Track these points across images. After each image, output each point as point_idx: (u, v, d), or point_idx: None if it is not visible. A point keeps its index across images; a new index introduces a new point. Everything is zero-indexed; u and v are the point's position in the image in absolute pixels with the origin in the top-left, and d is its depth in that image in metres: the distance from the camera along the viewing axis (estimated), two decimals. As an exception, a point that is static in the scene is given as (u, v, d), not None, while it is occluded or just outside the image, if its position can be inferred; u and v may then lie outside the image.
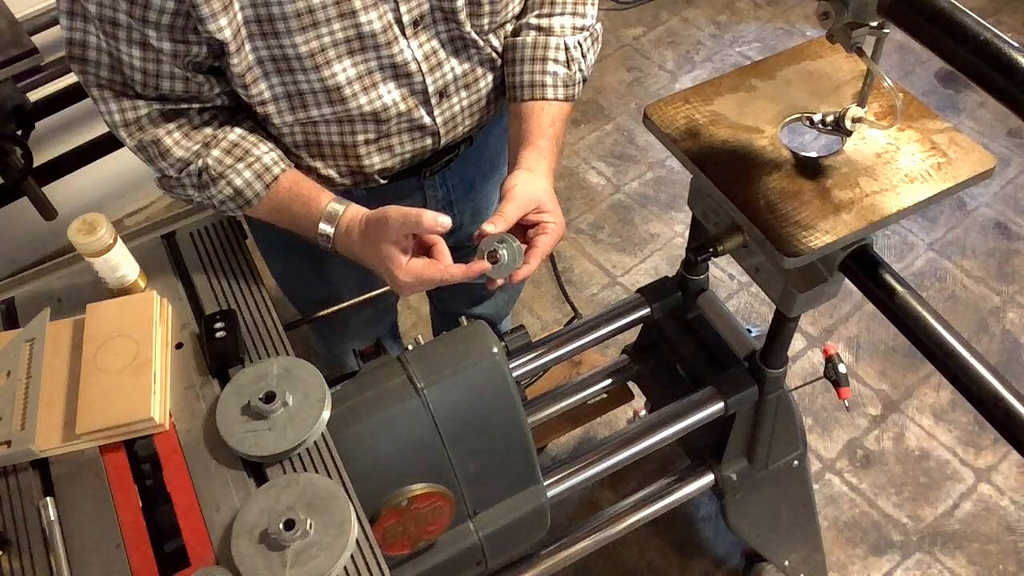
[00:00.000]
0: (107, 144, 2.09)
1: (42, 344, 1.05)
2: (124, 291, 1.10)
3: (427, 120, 1.10)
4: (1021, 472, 1.94)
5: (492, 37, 1.09)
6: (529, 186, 1.04)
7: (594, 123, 2.74)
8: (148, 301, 1.06)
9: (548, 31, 1.10)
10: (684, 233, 2.42)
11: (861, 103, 1.00)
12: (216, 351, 1.04)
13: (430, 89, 1.07)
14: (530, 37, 1.10)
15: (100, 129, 2.12)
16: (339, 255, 1.07)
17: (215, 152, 1.02)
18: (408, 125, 1.09)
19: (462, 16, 1.03)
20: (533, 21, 1.11)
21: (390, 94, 1.05)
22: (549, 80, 1.10)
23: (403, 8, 0.98)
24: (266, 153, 1.05)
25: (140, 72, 0.96)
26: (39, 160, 1.94)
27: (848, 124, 1.01)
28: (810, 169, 1.02)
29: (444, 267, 0.99)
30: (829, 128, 1.03)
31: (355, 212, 1.04)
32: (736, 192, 1.00)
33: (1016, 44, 0.71)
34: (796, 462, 1.46)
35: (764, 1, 3.12)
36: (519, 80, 1.11)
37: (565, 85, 1.11)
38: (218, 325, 1.06)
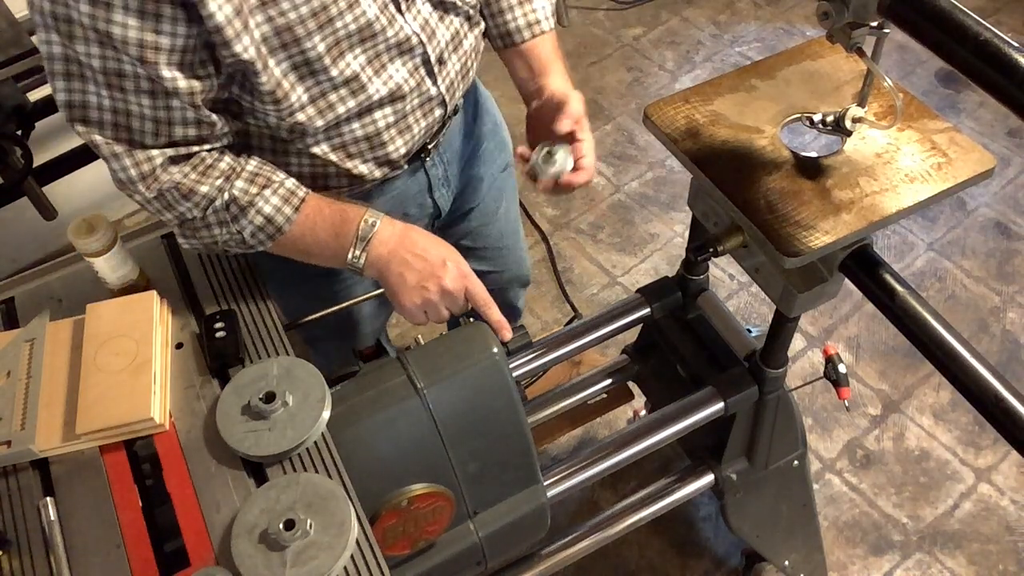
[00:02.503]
0: (107, 144, 2.09)
1: (42, 344, 1.05)
2: (124, 291, 1.10)
3: (434, 90, 1.12)
4: (1021, 472, 1.94)
5: None
6: (576, 104, 1.15)
7: (594, 123, 2.74)
8: (148, 301, 1.06)
9: None
10: (684, 233, 2.42)
11: (861, 103, 1.00)
12: (216, 351, 1.04)
13: (432, 57, 1.09)
14: None
15: (100, 129, 2.12)
16: (368, 259, 1.07)
17: (239, 183, 1.01)
18: (419, 99, 1.11)
19: None
20: None
21: (399, 72, 1.06)
22: (540, 15, 1.21)
23: None
24: (286, 179, 1.05)
25: (151, 121, 0.93)
26: (39, 160, 1.95)
27: (848, 124, 1.01)
28: (810, 169, 1.02)
29: (488, 297, 1.11)
30: (829, 128, 1.03)
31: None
32: (736, 192, 1.00)
33: (1016, 44, 0.71)
34: (796, 462, 1.46)
35: (764, 1, 3.12)
36: (514, 25, 1.20)
37: (553, 14, 1.22)
38: (218, 325, 1.06)
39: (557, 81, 1.20)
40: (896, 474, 1.95)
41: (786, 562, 1.62)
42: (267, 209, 1.02)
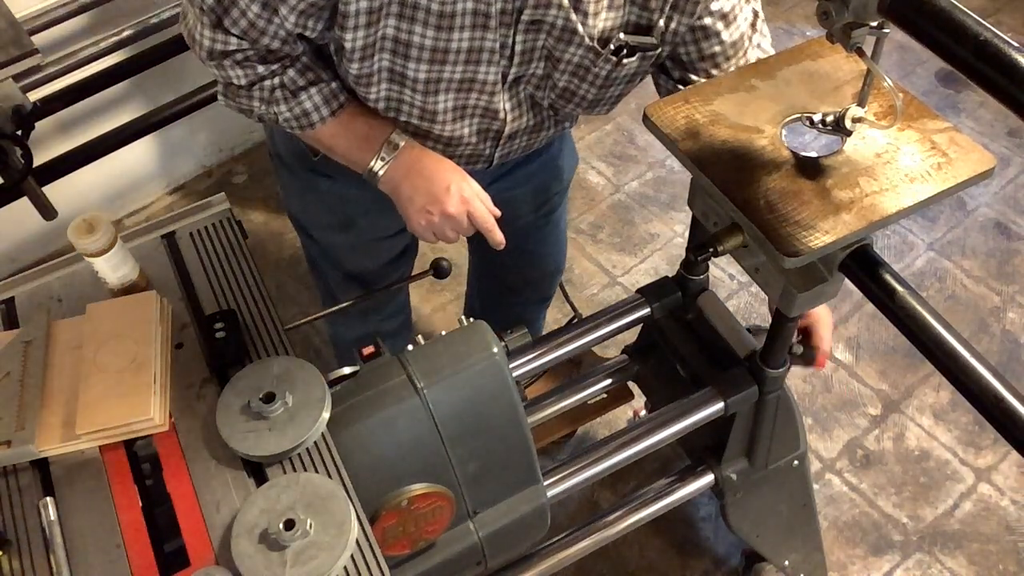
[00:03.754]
0: (107, 144, 2.09)
1: (42, 344, 1.05)
2: (124, 291, 1.10)
3: (487, 152, 1.19)
4: (1021, 472, 1.94)
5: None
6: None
7: (594, 123, 2.73)
8: (148, 301, 1.06)
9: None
10: (684, 233, 2.42)
11: (861, 103, 1.00)
12: (216, 351, 1.04)
13: (505, 133, 1.15)
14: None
15: (100, 129, 2.11)
16: (383, 175, 1.11)
17: (291, 72, 1.06)
18: (471, 154, 1.18)
19: (547, 93, 1.12)
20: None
21: (471, 127, 1.13)
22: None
23: (514, 70, 1.06)
24: (332, 80, 1.09)
25: (247, 22, 0.99)
26: (39, 160, 1.94)
27: (848, 124, 1.01)
28: (810, 169, 1.02)
29: (491, 221, 1.13)
30: (829, 128, 1.03)
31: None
32: (736, 192, 1.00)
33: (1016, 44, 0.71)
34: (796, 462, 1.46)
35: (764, 1, 3.11)
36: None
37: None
38: (218, 325, 1.06)
39: None
40: (896, 474, 1.95)
41: (786, 562, 1.62)
42: (307, 104, 1.08)
